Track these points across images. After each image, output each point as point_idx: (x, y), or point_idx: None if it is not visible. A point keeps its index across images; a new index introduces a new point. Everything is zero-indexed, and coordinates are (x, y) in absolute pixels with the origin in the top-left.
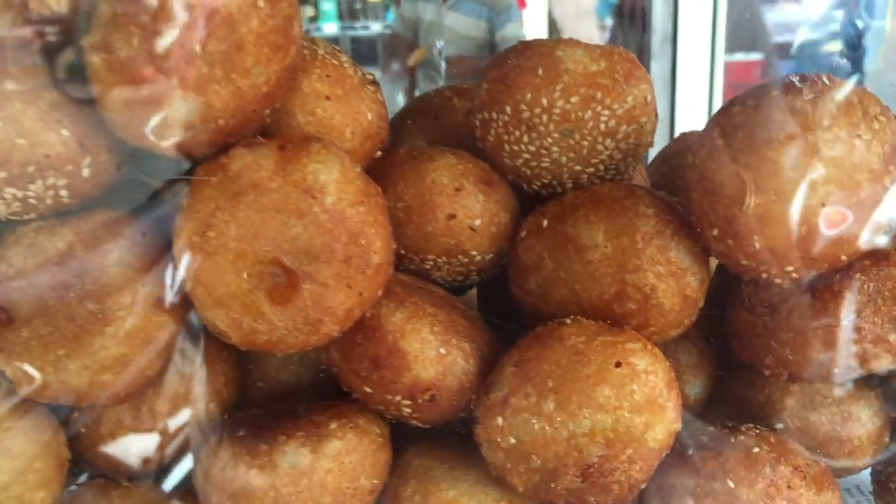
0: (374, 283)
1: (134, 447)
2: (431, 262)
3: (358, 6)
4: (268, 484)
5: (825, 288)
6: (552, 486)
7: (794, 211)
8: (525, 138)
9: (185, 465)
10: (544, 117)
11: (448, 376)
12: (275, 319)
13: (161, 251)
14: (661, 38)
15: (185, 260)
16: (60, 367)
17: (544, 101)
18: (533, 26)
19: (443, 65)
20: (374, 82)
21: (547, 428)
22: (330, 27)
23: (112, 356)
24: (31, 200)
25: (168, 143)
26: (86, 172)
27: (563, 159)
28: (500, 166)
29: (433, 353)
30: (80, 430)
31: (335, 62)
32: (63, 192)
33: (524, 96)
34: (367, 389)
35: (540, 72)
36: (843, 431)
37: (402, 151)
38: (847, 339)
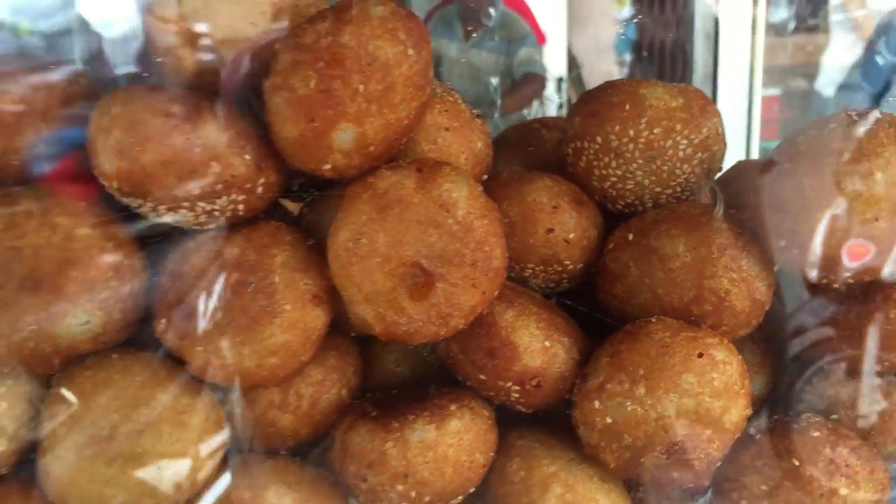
0: (494, 284)
1: (282, 424)
2: (530, 271)
3: None
4: (400, 454)
5: (878, 290)
6: (641, 462)
7: (852, 225)
8: (613, 164)
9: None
10: (630, 146)
11: (552, 366)
12: (413, 313)
13: (316, 255)
14: (703, 76)
15: (338, 262)
16: (236, 352)
17: (631, 132)
18: (553, 61)
19: (498, 101)
20: (480, 116)
21: (638, 410)
22: None
23: (278, 343)
24: (216, 213)
25: (328, 167)
26: (259, 190)
27: (646, 182)
28: (588, 188)
29: (539, 346)
30: (234, 409)
31: (450, 99)
32: (240, 207)
33: (613, 128)
34: (482, 377)
35: (627, 107)
36: (891, 422)
37: (505, 175)
38: None
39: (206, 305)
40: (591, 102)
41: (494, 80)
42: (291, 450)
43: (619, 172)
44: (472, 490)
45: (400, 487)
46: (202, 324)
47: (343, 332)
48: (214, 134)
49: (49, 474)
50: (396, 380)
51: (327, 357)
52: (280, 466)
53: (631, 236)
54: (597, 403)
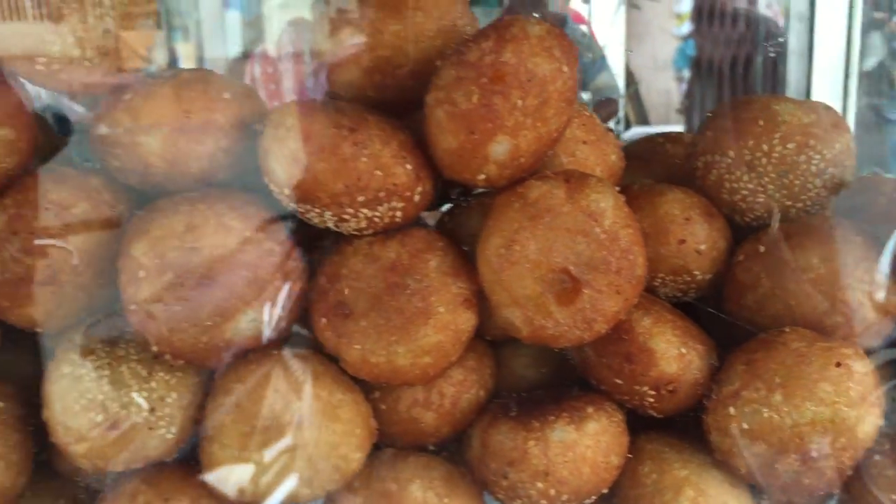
0: (636, 291)
1: (424, 421)
2: (659, 280)
3: None
4: (541, 453)
5: None
6: (774, 468)
7: None
8: (745, 178)
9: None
10: (764, 160)
11: (687, 372)
12: (559, 318)
13: (464, 260)
14: (795, 92)
15: (489, 267)
16: (390, 350)
17: (765, 147)
18: None
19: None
20: (611, 130)
21: (774, 417)
22: None
23: (431, 343)
24: (376, 219)
25: (482, 177)
26: (416, 198)
27: (777, 196)
28: (717, 201)
29: (675, 352)
30: (380, 406)
31: (586, 113)
32: (398, 214)
33: (747, 142)
34: (618, 381)
35: (761, 122)
36: None
37: (636, 187)
38: None
39: (364, 307)
40: (724, 118)
41: (586, 95)
42: (426, 447)
43: (750, 186)
44: (604, 491)
45: (540, 485)
46: (361, 323)
47: (479, 336)
48: (379, 145)
49: (214, 462)
50: (524, 383)
51: (467, 359)
52: (423, 462)
53: (762, 248)
54: (732, 410)
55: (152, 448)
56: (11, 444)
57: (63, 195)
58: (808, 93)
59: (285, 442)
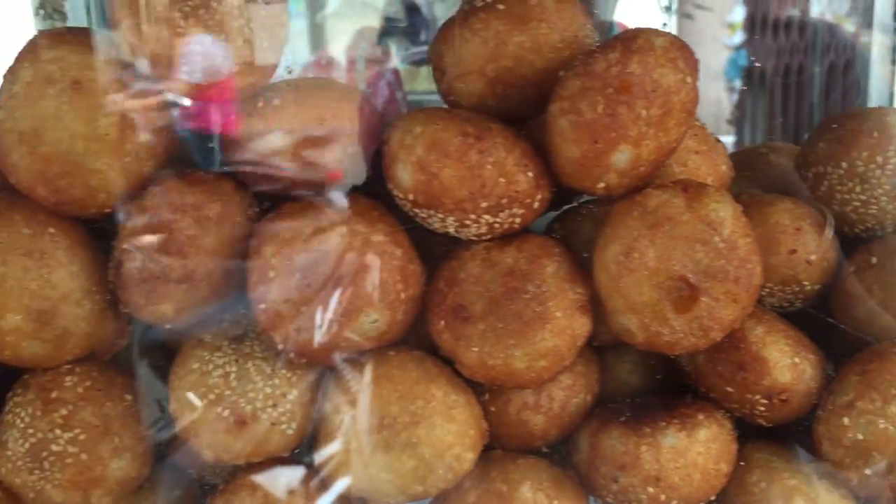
0: (752, 300)
1: (534, 424)
2: (767, 290)
3: None
4: (653, 458)
5: None
6: (887, 479)
7: None
8: (857, 189)
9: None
10: (878, 172)
11: (800, 382)
12: (676, 325)
13: (579, 267)
14: (877, 101)
15: (606, 274)
16: (508, 353)
17: (879, 159)
18: None
19: None
20: (719, 140)
21: (890, 428)
22: None
23: (548, 347)
24: (496, 225)
25: (601, 185)
26: (536, 205)
27: (890, 207)
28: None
29: (789, 362)
30: (490, 409)
31: (697, 124)
32: (518, 220)
33: (860, 154)
34: (729, 389)
35: (875, 134)
36: None
37: (745, 197)
38: None
39: (482, 310)
40: (836, 129)
41: None
42: (533, 449)
43: (862, 197)
44: (712, 498)
45: (651, 490)
46: (479, 327)
47: (587, 342)
48: (503, 153)
49: (330, 458)
50: (628, 389)
51: (575, 364)
52: (532, 463)
53: (874, 260)
54: (846, 420)
55: (273, 443)
56: (138, 436)
57: (198, 198)
58: (890, 102)
59: (402, 440)
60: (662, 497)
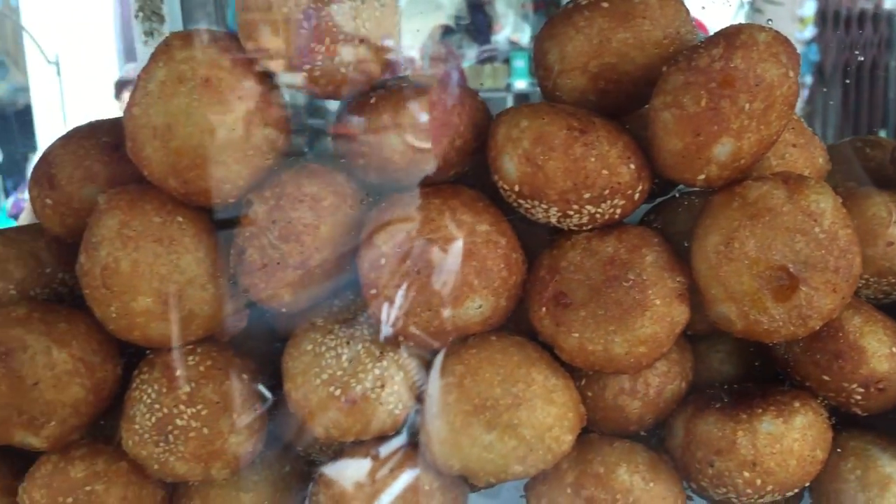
0: (851, 290)
1: (630, 409)
2: (864, 281)
3: None
4: (750, 444)
5: None
6: None
7: None
8: None
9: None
10: None
11: None
12: (775, 314)
13: (676, 257)
14: None
15: (706, 263)
16: (608, 340)
17: None
18: None
19: None
20: (815, 134)
21: None
22: (520, 84)
23: (647, 334)
24: (597, 215)
25: (701, 177)
26: (636, 196)
27: None
28: None
29: (886, 351)
30: (587, 394)
31: (795, 117)
32: (618, 211)
33: None
34: (825, 378)
35: None
36: None
37: (840, 190)
38: None
39: (582, 297)
40: None
41: None
42: (627, 434)
43: None
44: (807, 484)
45: (746, 474)
46: (580, 313)
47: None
48: (607, 145)
49: (435, 436)
50: (720, 378)
51: (671, 351)
52: (628, 447)
53: None
54: None
55: (381, 422)
56: (253, 413)
57: (315, 189)
58: None
59: (504, 421)
60: (758, 482)
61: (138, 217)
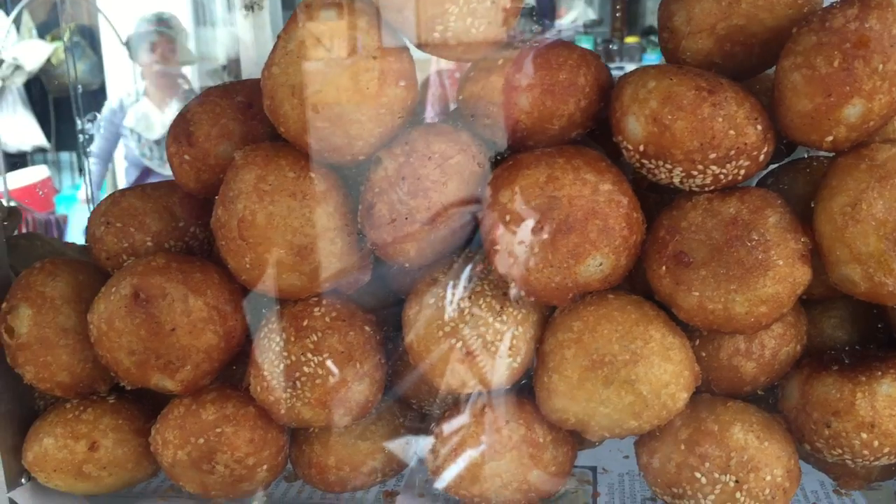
0: None
1: (744, 370)
2: None
3: (614, 47)
4: (868, 405)
5: None
6: None
7: None
8: None
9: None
10: None
11: None
12: None
13: (798, 218)
14: None
15: (831, 225)
16: (728, 299)
17: None
18: None
19: None
20: None
21: None
22: None
23: (769, 294)
24: (721, 176)
25: (829, 139)
26: (761, 158)
27: None
28: None
29: None
30: (701, 354)
31: None
32: (742, 172)
33: None
34: None
35: None
36: None
37: None
38: None
39: (703, 257)
40: None
41: None
42: (739, 395)
43: None
44: None
45: (864, 436)
46: (701, 272)
47: None
48: (735, 106)
49: (552, 390)
50: (833, 343)
51: (787, 314)
52: (741, 407)
53: None
54: None
55: (499, 375)
56: (375, 364)
57: (443, 146)
58: None
59: (621, 377)
60: (875, 443)
61: (274, 172)
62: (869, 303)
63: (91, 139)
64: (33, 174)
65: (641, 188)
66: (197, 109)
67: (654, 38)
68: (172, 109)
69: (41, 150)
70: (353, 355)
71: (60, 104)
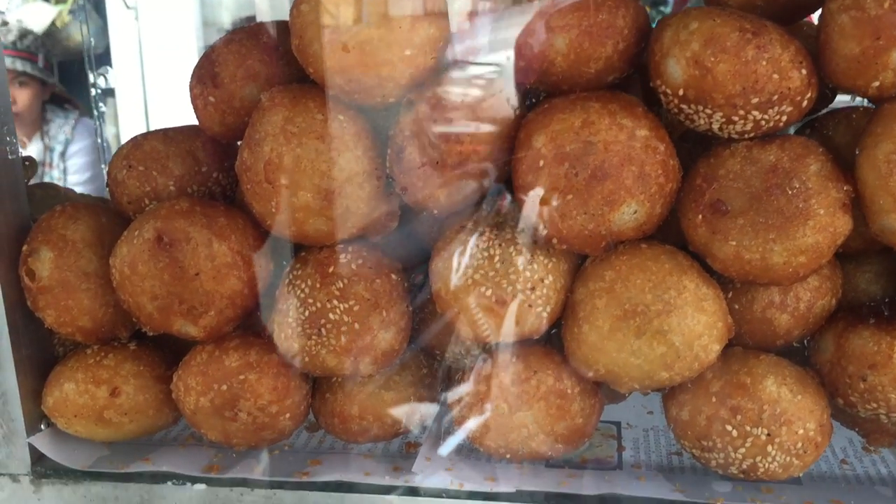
0: None
1: (778, 323)
2: None
3: None
4: None
5: None
6: None
7: None
8: None
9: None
10: None
11: None
12: None
13: (840, 167)
14: None
15: (875, 172)
16: (766, 248)
17: None
18: None
19: None
20: None
21: None
22: None
23: (808, 243)
24: (762, 122)
25: (875, 84)
26: (804, 104)
27: None
28: None
29: None
30: (734, 306)
31: None
32: (784, 119)
33: None
34: None
35: None
36: None
37: None
38: None
39: (741, 205)
40: None
41: None
42: (772, 348)
43: None
44: None
45: None
46: (738, 221)
47: None
48: (779, 49)
49: (582, 341)
50: (866, 298)
51: (822, 267)
52: (773, 360)
53: None
54: None
55: (528, 324)
56: (401, 312)
57: (476, 90)
58: None
59: (654, 327)
60: None
61: (301, 114)
62: None
63: (104, 93)
64: None
65: (674, 137)
66: (222, 50)
67: None
68: None
69: None
70: (379, 303)
71: (65, 68)
